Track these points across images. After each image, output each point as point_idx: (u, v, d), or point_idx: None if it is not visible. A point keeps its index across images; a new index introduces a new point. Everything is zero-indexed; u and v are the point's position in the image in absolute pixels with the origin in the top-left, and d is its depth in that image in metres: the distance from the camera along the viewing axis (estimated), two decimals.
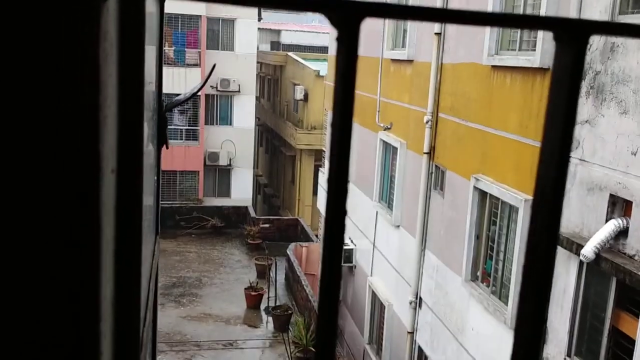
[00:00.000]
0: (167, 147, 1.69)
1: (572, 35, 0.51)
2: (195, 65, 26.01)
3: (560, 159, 0.52)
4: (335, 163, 0.52)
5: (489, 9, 8.68)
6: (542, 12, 7.48)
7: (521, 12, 8.26)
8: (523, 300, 0.55)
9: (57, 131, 0.45)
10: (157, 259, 1.56)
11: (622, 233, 6.10)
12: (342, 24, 0.48)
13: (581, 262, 6.58)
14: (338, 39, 0.49)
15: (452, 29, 10.18)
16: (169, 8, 26.75)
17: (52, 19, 0.44)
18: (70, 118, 0.45)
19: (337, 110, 0.50)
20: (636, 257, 5.92)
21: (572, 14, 6.90)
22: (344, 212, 0.53)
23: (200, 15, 25.75)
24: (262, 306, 17.92)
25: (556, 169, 0.53)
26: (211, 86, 26.33)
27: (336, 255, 0.53)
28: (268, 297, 17.75)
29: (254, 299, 17.90)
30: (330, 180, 0.51)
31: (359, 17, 0.48)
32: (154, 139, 1.52)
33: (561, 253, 6.97)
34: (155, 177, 1.60)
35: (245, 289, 18.15)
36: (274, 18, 49.64)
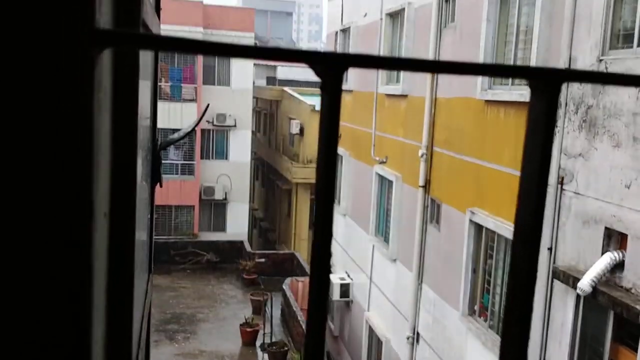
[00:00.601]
0: (160, 186, 1.70)
1: (546, 84, 0.53)
2: (192, 100, 26.21)
3: (536, 202, 0.54)
4: (321, 207, 0.53)
5: (481, 49, 8.83)
6: (534, 48, 7.61)
7: (513, 46, 8.39)
8: (507, 325, 0.56)
9: (48, 178, 0.46)
10: (149, 297, 1.56)
11: (618, 266, 6.09)
12: (325, 74, 0.50)
13: (578, 296, 6.55)
14: (322, 88, 0.51)
15: None
16: None
17: (46, 70, 0.46)
18: (62, 167, 0.46)
19: (321, 155, 0.52)
20: (633, 290, 5.91)
21: (563, 50, 7.02)
22: (329, 255, 0.55)
23: None
24: (258, 342, 17.70)
25: (533, 215, 0.54)
26: (207, 121, 26.47)
27: (323, 296, 0.55)
28: (264, 333, 17.54)
29: (249, 335, 17.68)
30: (316, 225, 0.53)
31: (341, 68, 0.50)
32: (148, 178, 1.53)
33: (558, 287, 6.95)
34: (149, 216, 1.61)
35: (240, 325, 17.95)
36: None
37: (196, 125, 2.68)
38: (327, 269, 0.55)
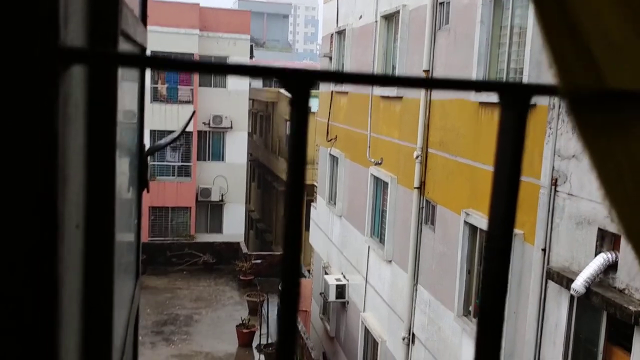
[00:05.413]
0: (147, 191, 1.71)
1: (515, 98, 0.54)
2: (188, 102, 26.21)
3: (506, 222, 0.54)
4: (289, 217, 0.53)
5: (475, 51, 8.85)
6: (527, 49, 7.63)
7: (507, 48, 8.41)
8: (483, 314, 0.56)
9: (12, 192, 0.47)
10: (137, 303, 1.56)
11: (612, 267, 6.11)
12: (294, 89, 0.51)
13: (572, 297, 6.57)
14: (291, 103, 0.52)
15: (440, 67, 10.34)
16: (161, 47, 26.80)
17: (8, 87, 0.46)
18: (25, 181, 0.46)
19: (290, 166, 0.53)
20: (626, 291, 5.93)
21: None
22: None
23: (193, 54, 26.06)
24: (254, 344, 17.71)
25: (502, 239, 0.54)
26: (203, 123, 26.49)
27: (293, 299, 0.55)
28: (260, 335, 17.55)
29: (245, 337, 17.69)
30: (285, 242, 0.53)
31: (308, 83, 0.51)
32: (135, 183, 1.53)
33: (552, 287, 6.97)
34: (136, 221, 1.61)
35: (237, 326, 17.95)
36: (267, 56, 50.26)
37: (182, 132, 2.70)
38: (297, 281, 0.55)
